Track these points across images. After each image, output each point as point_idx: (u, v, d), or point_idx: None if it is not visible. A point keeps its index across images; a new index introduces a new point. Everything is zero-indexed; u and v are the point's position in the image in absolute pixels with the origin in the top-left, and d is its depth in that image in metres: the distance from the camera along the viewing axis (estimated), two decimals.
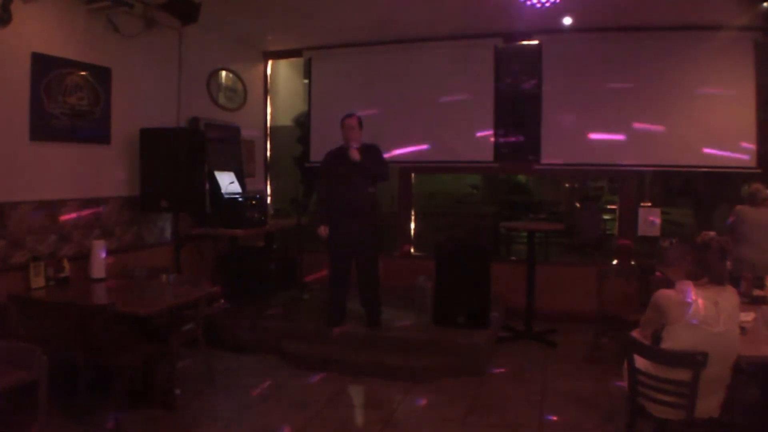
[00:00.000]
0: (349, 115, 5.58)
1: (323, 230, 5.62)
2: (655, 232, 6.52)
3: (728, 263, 3.24)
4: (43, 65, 4.58)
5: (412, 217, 7.52)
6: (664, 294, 3.17)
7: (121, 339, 4.05)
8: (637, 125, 6.42)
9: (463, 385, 4.92)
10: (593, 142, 6.57)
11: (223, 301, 6.24)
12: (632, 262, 6.48)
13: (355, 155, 5.41)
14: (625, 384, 3.33)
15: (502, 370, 5.29)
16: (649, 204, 6.69)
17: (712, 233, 3.28)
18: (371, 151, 5.57)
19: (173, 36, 6.05)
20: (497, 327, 5.97)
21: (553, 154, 6.72)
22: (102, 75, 5.16)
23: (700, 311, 2.99)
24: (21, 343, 3.11)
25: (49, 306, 4.23)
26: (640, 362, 3.17)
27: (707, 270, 3.13)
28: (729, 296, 3.10)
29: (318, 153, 7.44)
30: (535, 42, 6.79)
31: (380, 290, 5.75)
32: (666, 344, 3.09)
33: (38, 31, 4.59)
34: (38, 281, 4.43)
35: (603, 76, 6.54)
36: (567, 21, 6.18)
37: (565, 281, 6.67)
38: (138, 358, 4.22)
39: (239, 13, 6.14)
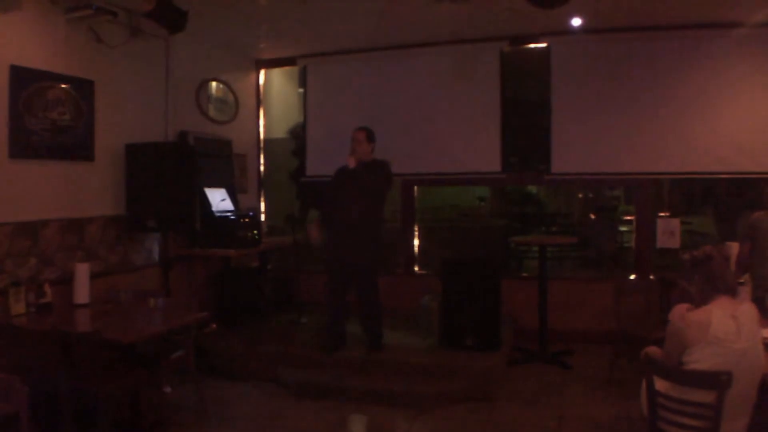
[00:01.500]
0: (358, 128, 5.69)
1: (315, 226, 5.77)
2: (675, 243, 6.50)
3: (749, 282, 3.23)
4: (22, 78, 4.60)
5: (416, 232, 7.52)
6: (678, 317, 3.15)
7: (107, 367, 4.04)
8: (654, 130, 6.41)
9: (473, 412, 4.89)
10: (607, 149, 6.58)
11: (215, 325, 6.23)
12: (651, 276, 6.46)
13: (351, 162, 5.50)
14: (644, 407, 3.32)
15: (515, 395, 5.25)
16: (668, 214, 6.67)
17: (708, 246, 3.29)
18: (378, 166, 5.63)
19: (160, 45, 6.10)
20: (508, 348, 5.95)
21: (564, 162, 6.73)
22: (85, 88, 5.19)
23: (719, 327, 2.98)
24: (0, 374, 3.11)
25: (30, 333, 4.22)
26: (659, 384, 3.15)
27: (717, 281, 3.12)
28: (747, 309, 3.09)
29: (315, 166, 7.50)
30: (543, 45, 6.83)
31: (381, 311, 5.73)
32: (688, 367, 3.07)
33: (16, 43, 4.61)
34: (18, 307, 4.41)
35: (616, 78, 6.55)
36: (576, 22, 6.21)
37: (580, 298, 6.66)
38: (125, 387, 4.21)
39: (229, 20, 6.18)
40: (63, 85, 4.98)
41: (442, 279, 5.81)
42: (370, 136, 5.68)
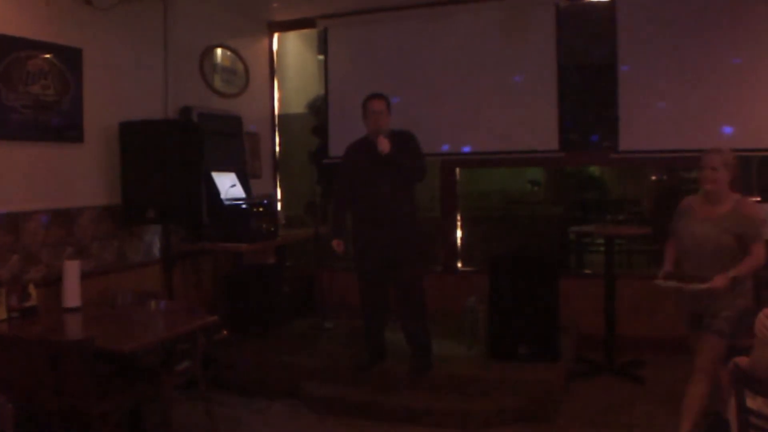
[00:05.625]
0: (375, 96, 5.50)
1: (337, 245, 5.62)
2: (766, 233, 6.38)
3: None
4: None
5: (458, 223, 7.49)
6: (763, 322, 3.09)
7: (102, 381, 4.06)
8: (742, 98, 6.27)
9: None
10: (684, 123, 6.45)
11: (226, 332, 6.26)
12: None
13: (384, 146, 5.28)
14: (733, 428, 3.25)
15: (577, 414, 5.20)
16: (758, 198, 6.56)
17: None
18: (404, 140, 5.49)
19: (157, 7, 6.12)
20: (569, 359, 5.90)
21: (634, 139, 6.62)
22: (71, 57, 5.20)
23: None
24: None
25: (13, 343, 4.26)
26: (751, 400, 3.09)
27: None
28: None
29: (339, 146, 7.43)
30: None
31: (426, 317, 5.62)
32: None
33: None
34: None
35: (697, 37, 6.40)
36: None
37: (653, 299, 6.52)
38: (123, 404, 4.24)
39: None
40: (46, 55, 4.99)
41: (490, 277, 5.76)
42: (389, 105, 5.55)
